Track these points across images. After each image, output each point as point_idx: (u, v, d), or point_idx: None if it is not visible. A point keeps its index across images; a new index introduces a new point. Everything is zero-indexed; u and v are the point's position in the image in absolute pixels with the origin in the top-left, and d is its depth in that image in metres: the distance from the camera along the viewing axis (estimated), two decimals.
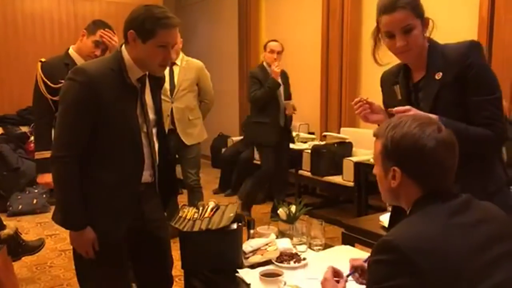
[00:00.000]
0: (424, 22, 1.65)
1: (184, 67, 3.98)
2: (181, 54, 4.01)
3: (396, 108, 1.57)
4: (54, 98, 2.62)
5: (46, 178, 2.63)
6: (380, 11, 1.67)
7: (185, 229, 2.00)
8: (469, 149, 1.57)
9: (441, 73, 1.63)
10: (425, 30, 1.66)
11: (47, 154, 2.46)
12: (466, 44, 1.63)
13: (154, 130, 1.96)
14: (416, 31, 1.62)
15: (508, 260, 1.14)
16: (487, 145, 1.62)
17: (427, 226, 1.13)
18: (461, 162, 1.57)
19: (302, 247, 2.13)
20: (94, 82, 1.74)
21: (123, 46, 1.84)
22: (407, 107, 1.57)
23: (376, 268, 1.14)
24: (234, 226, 2.01)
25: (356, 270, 1.54)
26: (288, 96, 4.58)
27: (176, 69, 3.96)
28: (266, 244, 2.05)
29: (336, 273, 1.50)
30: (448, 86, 1.62)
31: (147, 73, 1.89)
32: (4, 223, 3.28)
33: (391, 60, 1.78)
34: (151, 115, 1.94)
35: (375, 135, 1.31)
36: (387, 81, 1.85)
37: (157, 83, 2.00)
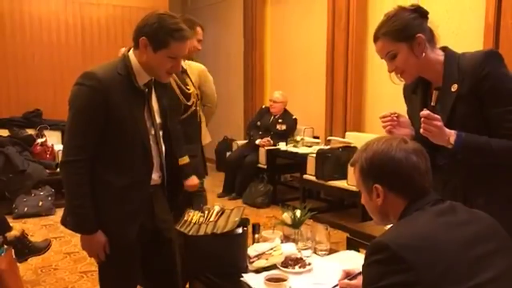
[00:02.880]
0: (416, 41, 1.61)
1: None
2: None
3: (427, 113, 1.54)
4: (188, 103, 2.79)
5: (190, 181, 2.62)
6: None
7: (190, 233, 2.01)
8: (493, 162, 1.57)
9: (456, 85, 1.60)
10: (420, 48, 1.62)
11: (186, 160, 2.52)
12: (482, 54, 1.60)
13: (160, 133, 1.98)
14: (400, 55, 1.63)
15: (497, 257, 1.16)
16: None
17: (415, 225, 1.18)
18: (485, 174, 1.57)
19: (307, 252, 2.12)
20: (103, 86, 1.75)
21: (131, 51, 1.85)
22: (437, 116, 1.54)
23: (369, 270, 1.16)
24: (239, 230, 2.01)
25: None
26: None
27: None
28: (271, 249, 2.05)
29: (349, 274, 1.59)
30: (464, 98, 1.59)
31: (153, 78, 1.90)
32: (10, 225, 3.30)
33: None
34: (158, 119, 1.96)
35: (351, 165, 1.38)
36: (408, 89, 1.84)
37: (162, 88, 2.01)
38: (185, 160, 2.54)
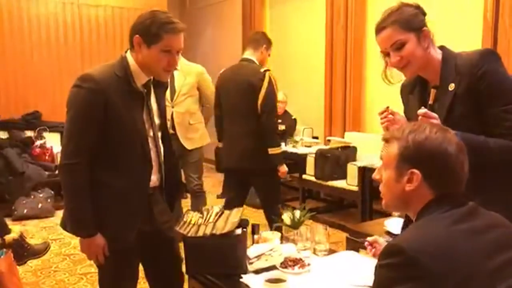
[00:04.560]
0: (422, 34, 1.62)
1: (184, 72, 3.94)
2: (181, 58, 3.94)
3: (425, 111, 1.54)
4: None
5: (282, 168, 3.42)
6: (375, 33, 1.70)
7: (189, 234, 2.00)
8: (491, 162, 1.55)
9: (453, 84, 1.60)
10: (426, 41, 1.62)
11: (278, 150, 3.36)
12: (478, 54, 1.59)
13: (159, 134, 1.98)
14: (409, 45, 1.61)
15: None
16: (511, 156, 1.55)
17: (433, 230, 1.12)
18: (480, 175, 1.52)
19: (307, 253, 2.12)
20: (101, 88, 1.74)
21: (128, 52, 1.85)
22: (435, 115, 1.54)
23: (382, 272, 1.12)
24: (239, 231, 2.01)
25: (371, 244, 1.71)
26: None
27: (176, 74, 3.93)
28: (271, 249, 2.05)
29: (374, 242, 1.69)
30: (461, 97, 1.58)
31: (151, 78, 1.90)
32: (9, 227, 3.29)
33: (402, 78, 1.78)
34: (157, 120, 1.95)
35: (386, 139, 1.28)
36: (405, 89, 1.84)
37: (160, 88, 2.01)
38: (277, 150, 3.34)
